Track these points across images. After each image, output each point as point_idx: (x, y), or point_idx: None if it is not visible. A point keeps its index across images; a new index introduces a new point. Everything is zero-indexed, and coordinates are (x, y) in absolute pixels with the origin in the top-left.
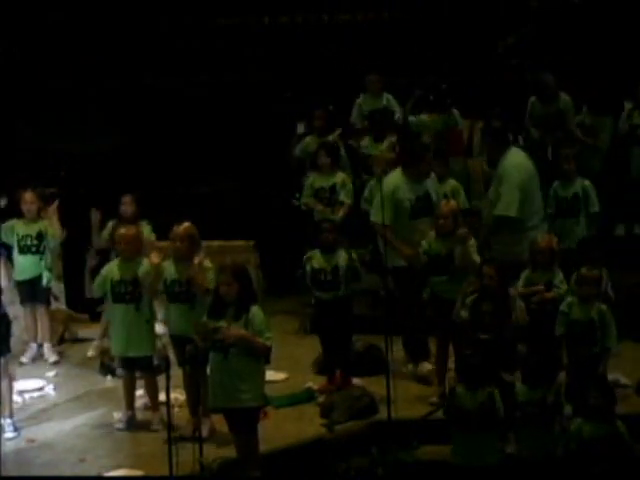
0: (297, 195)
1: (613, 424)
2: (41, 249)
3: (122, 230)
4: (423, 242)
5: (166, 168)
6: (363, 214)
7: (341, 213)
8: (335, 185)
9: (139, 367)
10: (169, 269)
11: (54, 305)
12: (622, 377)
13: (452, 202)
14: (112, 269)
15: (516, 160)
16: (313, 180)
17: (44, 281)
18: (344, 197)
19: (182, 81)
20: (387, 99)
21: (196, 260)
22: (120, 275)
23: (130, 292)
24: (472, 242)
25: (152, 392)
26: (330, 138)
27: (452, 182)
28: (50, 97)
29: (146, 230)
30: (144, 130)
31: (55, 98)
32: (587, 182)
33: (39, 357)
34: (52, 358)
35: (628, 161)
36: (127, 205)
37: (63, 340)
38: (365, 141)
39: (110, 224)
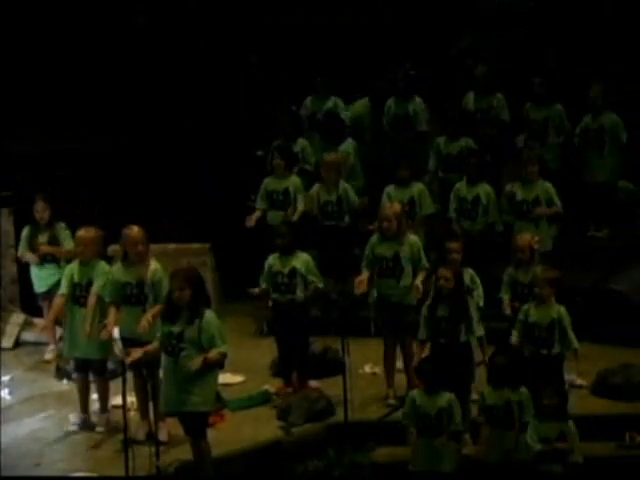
0: (252, 197)
1: (566, 424)
2: None
3: (80, 232)
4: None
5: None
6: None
7: (295, 217)
8: (288, 188)
9: (92, 370)
10: (120, 272)
11: (8, 309)
12: (577, 378)
13: (396, 204)
14: (72, 271)
15: None
16: (267, 183)
17: None
18: (299, 203)
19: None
20: (334, 102)
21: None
22: (79, 278)
23: (85, 296)
24: (417, 242)
25: (102, 394)
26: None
27: (419, 186)
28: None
29: (64, 235)
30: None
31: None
32: (548, 184)
33: None
34: None
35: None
36: (41, 211)
37: (18, 344)
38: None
39: (25, 232)
